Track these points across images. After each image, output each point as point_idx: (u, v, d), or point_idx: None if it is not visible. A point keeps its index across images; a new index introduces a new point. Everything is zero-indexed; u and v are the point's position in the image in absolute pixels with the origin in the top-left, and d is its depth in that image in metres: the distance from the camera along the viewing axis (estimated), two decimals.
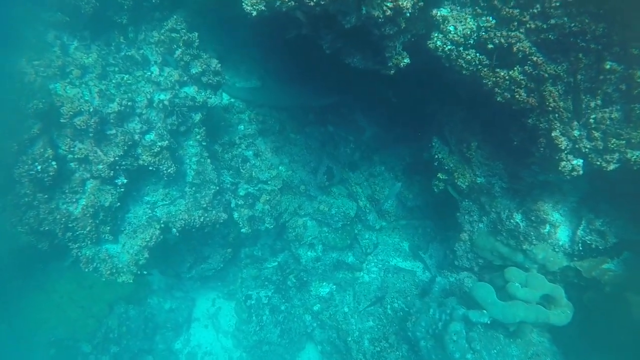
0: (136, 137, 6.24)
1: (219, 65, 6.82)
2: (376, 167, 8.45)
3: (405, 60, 4.75)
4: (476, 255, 6.18)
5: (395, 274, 7.63)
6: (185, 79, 6.76)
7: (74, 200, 5.99)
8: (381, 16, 4.14)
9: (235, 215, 7.78)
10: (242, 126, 8.26)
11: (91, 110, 5.72)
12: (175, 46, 6.74)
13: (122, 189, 6.18)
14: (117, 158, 5.91)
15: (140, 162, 6.18)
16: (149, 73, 6.69)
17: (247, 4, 4.69)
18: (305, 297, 8.25)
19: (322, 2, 4.19)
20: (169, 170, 6.37)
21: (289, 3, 4.34)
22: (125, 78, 6.61)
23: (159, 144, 6.38)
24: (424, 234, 8.33)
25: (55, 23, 6.26)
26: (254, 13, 4.79)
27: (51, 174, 5.56)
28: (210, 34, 7.57)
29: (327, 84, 8.44)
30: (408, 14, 4.15)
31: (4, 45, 6.27)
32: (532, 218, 5.28)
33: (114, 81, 6.53)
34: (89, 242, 6.05)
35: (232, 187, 7.77)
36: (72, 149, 5.81)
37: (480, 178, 5.59)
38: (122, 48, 6.98)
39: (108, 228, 6.12)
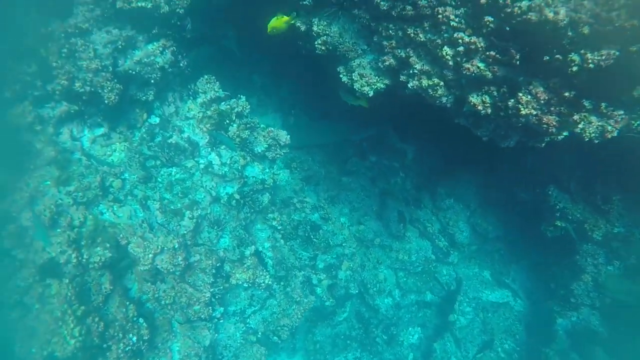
0: (220, 252, 5.21)
1: (288, 136, 5.79)
2: (444, 200, 7.89)
3: None
4: (601, 294, 5.96)
5: (494, 311, 7.30)
6: (248, 159, 5.69)
7: (167, 349, 4.95)
8: None
9: (319, 290, 6.99)
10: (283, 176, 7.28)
11: (175, 245, 4.60)
12: (227, 121, 5.61)
13: (221, 320, 5.21)
14: (211, 291, 4.90)
15: (233, 281, 5.19)
16: (203, 161, 5.57)
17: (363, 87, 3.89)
18: (396, 350, 7.80)
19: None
20: (265, 281, 5.44)
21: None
22: (174, 173, 5.46)
23: (245, 251, 5.39)
24: (500, 259, 8.02)
25: (62, 116, 4.96)
26: (371, 93, 3.98)
27: (145, 337, 4.48)
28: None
29: (363, 116, 7.67)
30: None
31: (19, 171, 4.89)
32: None
33: (162, 182, 5.37)
34: None
35: (310, 263, 6.91)
36: (156, 295, 4.70)
37: (618, 228, 5.23)
38: (156, 132, 5.75)
39: None
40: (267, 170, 6.00)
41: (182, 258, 4.55)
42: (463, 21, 3.22)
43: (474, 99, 3.29)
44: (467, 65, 3.20)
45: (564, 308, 6.47)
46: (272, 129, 5.71)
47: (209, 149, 5.66)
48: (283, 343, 6.31)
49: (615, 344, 5.80)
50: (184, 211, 5.01)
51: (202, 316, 4.73)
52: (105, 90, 4.99)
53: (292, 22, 4.89)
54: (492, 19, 2.97)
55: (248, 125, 5.69)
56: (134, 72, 5.30)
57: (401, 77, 3.95)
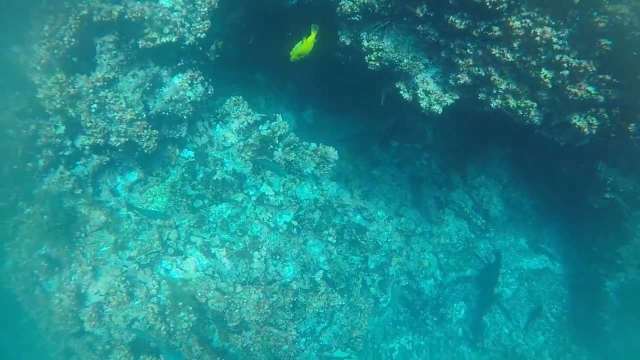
0: (293, 285, 5.11)
1: (336, 151, 5.55)
2: (475, 178, 7.90)
3: None
4: None
5: (537, 279, 7.57)
6: (298, 181, 5.48)
7: None
8: None
9: (372, 290, 7.03)
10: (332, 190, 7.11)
11: (260, 295, 4.46)
12: (271, 146, 5.34)
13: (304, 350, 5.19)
14: (294, 327, 4.83)
15: (310, 311, 5.14)
16: (253, 192, 5.33)
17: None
18: (447, 328, 8.08)
19: None
20: (339, 302, 5.41)
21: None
22: (224, 210, 5.22)
23: (315, 277, 5.33)
24: (532, 225, 8.21)
25: (95, 171, 4.67)
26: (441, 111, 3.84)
27: None
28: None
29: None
30: None
31: None
32: None
33: (215, 221, 5.15)
34: None
35: (362, 266, 6.90)
36: (244, 345, 4.60)
37: None
38: (196, 170, 5.46)
39: None
40: (315, 187, 5.82)
41: (268, 306, 4.43)
42: (567, 43, 3.02)
43: (579, 121, 3.16)
44: (574, 90, 3.04)
45: (611, 270, 6.76)
46: (319, 146, 5.44)
47: (258, 178, 5.39)
48: None
49: None
50: (251, 252, 4.83)
51: (291, 354, 4.70)
52: (143, 140, 4.59)
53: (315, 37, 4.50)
54: (610, 42, 2.79)
55: (292, 147, 5.42)
56: (166, 113, 4.87)
57: (480, 95, 3.75)
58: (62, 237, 4.32)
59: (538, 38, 3.09)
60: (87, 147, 4.74)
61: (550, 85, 3.21)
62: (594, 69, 2.97)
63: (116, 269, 4.28)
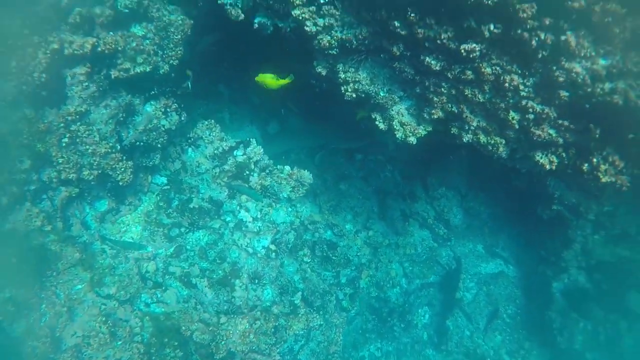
0: (274, 309, 5.18)
1: (311, 175, 5.68)
2: (436, 190, 8.35)
3: None
4: (587, 257, 6.94)
5: (494, 283, 8.15)
6: (273, 205, 5.57)
7: None
8: None
9: (344, 303, 7.23)
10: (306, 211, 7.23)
11: (246, 326, 4.50)
12: (247, 172, 5.40)
13: None
14: (277, 352, 4.92)
15: (291, 333, 5.24)
16: (230, 218, 5.35)
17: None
18: (413, 333, 8.47)
19: None
20: (318, 322, 5.56)
21: None
22: (202, 237, 5.22)
23: (294, 300, 5.44)
24: (489, 232, 8.82)
25: (63, 204, 4.53)
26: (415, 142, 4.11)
27: None
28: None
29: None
30: None
31: None
32: None
33: (193, 249, 5.12)
34: None
35: (335, 281, 7.07)
36: None
37: (607, 207, 6.04)
38: (171, 197, 5.40)
39: None
40: (290, 209, 5.91)
41: (253, 334, 4.47)
42: (532, 90, 3.36)
43: (541, 159, 3.54)
44: (538, 132, 3.39)
45: (556, 272, 7.46)
46: (295, 169, 5.54)
47: (234, 204, 5.39)
48: None
49: (604, 298, 6.92)
50: (232, 280, 4.84)
51: None
52: (118, 172, 4.45)
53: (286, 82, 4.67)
54: (568, 94, 3.15)
55: (267, 171, 5.48)
56: (141, 143, 4.75)
57: (452, 129, 4.04)
58: (32, 277, 4.10)
59: (507, 84, 3.42)
60: (54, 180, 4.52)
61: (517, 126, 3.56)
62: (554, 114, 3.34)
63: (94, 308, 4.12)
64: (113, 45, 4.06)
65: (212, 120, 5.66)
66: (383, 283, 8.05)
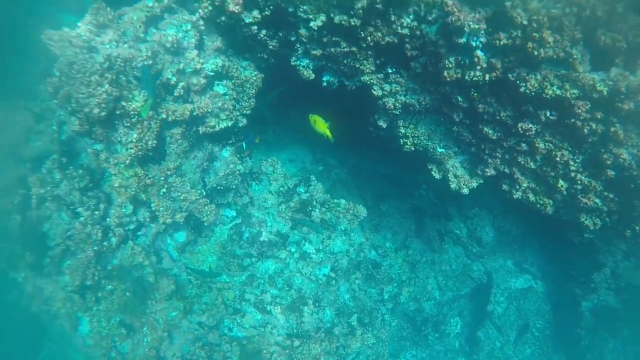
0: (335, 331, 5.82)
1: (365, 210, 6.25)
2: (470, 209, 8.85)
3: None
4: (617, 281, 7.39)
5: (524, 298, 8.68)
6: (332, 236, 6.17)
7: None
8: None
9: (387, 317, 7.88)
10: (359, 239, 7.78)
11: (318, 350, 5.16)
12: (309, 208, 6.00)
13: None
14: None
15: (350, 351, 5.89)
16: (295, 249, 5.97)
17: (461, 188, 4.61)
18: (445, 341, 9.09)
19: None
20: (371, 341, 6.19)
21: None
22: (269, 266, 5.83)
23: (351, 321, 6.05)
24: (517, 248, 9.31)
25: (154, 239, 5.22)
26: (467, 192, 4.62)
27: None
28: None
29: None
30: None
31: None
32: None
33: (263, 277, 5.75)
34: None
35: (379, 298, 7.70)
36: None
37: None
38: (242, 230, 6.03)
39: None
40: (344, 238, 6.51)
41: (323, 358, 5.15)
42: (580, 165, 3.84)
43: (586, 220, 4.04)
44: (584, 200, 3.89)
45: (585, 291, 7.93)
46: (350, 204, 6.12)
47: (298, 236, 5.99)
48: None
49: (633, 320, 7.37)
50: (301, 307, 5.50)
51: None
52: (204, 215, 5.11)
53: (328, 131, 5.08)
54: (614, 173, 3.63)
55: (326, 206, 6.07)
56: (220, 187, 5.39)
57: (504, 185, 4.56)
58: (138, 306, 4.83)
59: (558, 158, 3.91)
60: (147, 219, 5.21)
61: (565, 193, 4.05)
62: (600, 187, 3.82)
63: (189, 333, 4.85)
64: (206, 109, 4.66)
65: (275, 158, 6.26)
66: (420, 296, 8.66)
